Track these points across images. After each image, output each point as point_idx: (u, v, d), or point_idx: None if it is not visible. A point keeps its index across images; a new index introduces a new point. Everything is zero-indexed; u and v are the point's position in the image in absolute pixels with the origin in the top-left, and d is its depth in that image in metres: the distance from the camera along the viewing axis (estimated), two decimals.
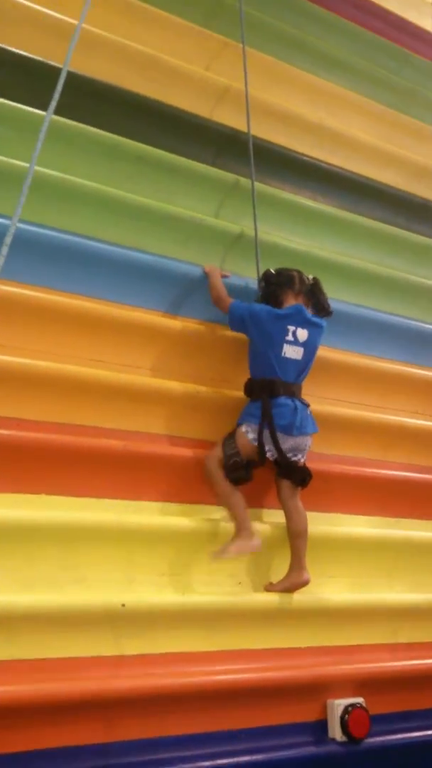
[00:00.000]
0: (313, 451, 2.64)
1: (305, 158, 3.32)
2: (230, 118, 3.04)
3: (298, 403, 2.55)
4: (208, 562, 2.39)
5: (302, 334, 2.60)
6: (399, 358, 3.27)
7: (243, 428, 2.49)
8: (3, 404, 2.24)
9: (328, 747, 2.38)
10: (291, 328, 2.58)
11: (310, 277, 2.72)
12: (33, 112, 2.48)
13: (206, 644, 2.30)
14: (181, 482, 2.48)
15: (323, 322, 2.69)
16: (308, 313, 2.65)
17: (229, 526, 2.45)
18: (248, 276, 2.83)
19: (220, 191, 2.97)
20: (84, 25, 2.37)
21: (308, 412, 2.59)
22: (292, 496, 2.55)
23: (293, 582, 2.47)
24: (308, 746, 2.36)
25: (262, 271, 2.76)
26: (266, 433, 2.47)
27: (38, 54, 2.62)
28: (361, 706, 2.43)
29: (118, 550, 2.25)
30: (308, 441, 2.57)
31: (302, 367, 2.60)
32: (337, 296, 2.91)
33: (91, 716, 2.06)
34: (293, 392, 2.55)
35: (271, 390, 2.51)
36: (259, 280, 2.75)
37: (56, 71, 2.29)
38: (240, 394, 2.63)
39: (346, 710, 2.40)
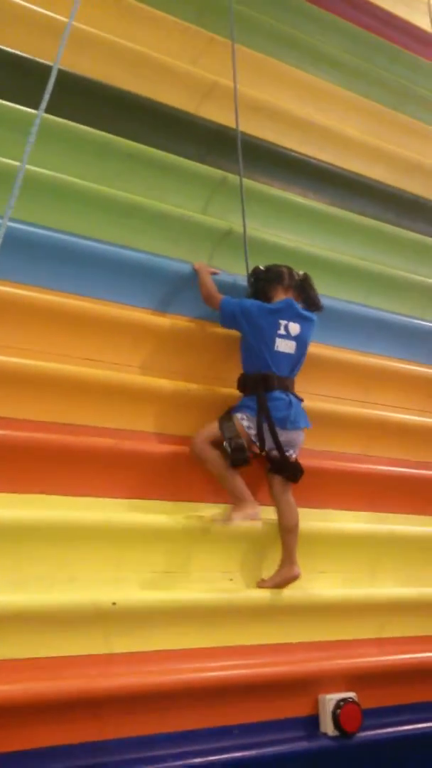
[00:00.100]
0: (305, 447, 2.65)
1: (294, 154, 3.32)
2: (218, 114, 3.03)
3: (292, 397, 2.56)
4: (199, 559, 2.39)
5: (294, 327, 2.61)
6: (389, 354, 3.28)
7: (239, 416, 2.50)
8: None
9: (319, 742, 2.39)
10: (283, 322, 2.59)
11: (301, 272, 2.73)
12: (22, 110, 2.47)
13: (198, 641, 2.30)
14: (171, 480, 2.48)
15: (314, 316, 2.70)
16: (299, 307, 2.65)
17: (220, 524, 2.45)
18: (237, 273, 2.82)
19: (208, 188, 2.96)
20: (73, 23, 2.35)
21: (301, 407, 2.60)
22: (284, 491, 2.56)
23: (284, 576, 2.48)
24: (300, 741, 2.37)
25: (251, 268, 2.76)
26: (265, 427, 2.48)
27: (26, 51, 2.60)
28: (353, 701, 2.44)
29: (109, 549, 2.25)
30: (301, 436, 2.58)
31: (295, 361, 2.61)
32: (327, 292, 2.91)
33: (83, 714, 2.06)
34: (287, 386, 2.57)
35: (266, 384, 2.51)
36: (249, 277, 2.75)
37: (45, 69, 2.27)
38: (231, 391, 2.64)
39: (338, 705, 2.42)
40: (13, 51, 2.59)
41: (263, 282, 2.69)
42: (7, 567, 2.08)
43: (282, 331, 2.58)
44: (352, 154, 3.54)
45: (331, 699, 2.43)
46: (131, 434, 2.47)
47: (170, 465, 2.48)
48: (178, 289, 2.71)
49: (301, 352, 2.64)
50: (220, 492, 2.54)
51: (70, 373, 2.37)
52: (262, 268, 2.73)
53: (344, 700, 2.43)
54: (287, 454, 2.54)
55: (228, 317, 2.63)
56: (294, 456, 2.57)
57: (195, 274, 2.74)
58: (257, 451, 2.53)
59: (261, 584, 2.49)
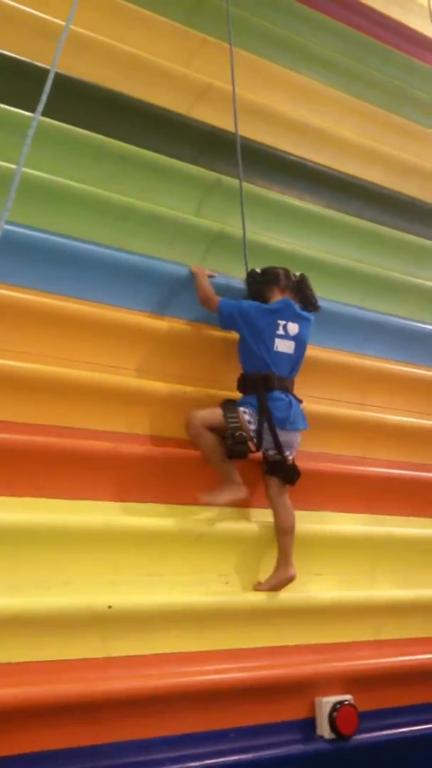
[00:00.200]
0: (302, 449, 2.65)
1: (290, 157, 3.33)
2: (212, 115, 3.03)
3: (292, 398, 2.57)
4: (195, 562, 2.39)
5: (293, 327, 2.61)
6: (386, 356, 3.29)
7: (241, 409, 2.50)
8: None
9: (316, 744, 2.38)
10: (281, 322, 2.59)
11: (297, 273, 2.73)
12: (16, 113, 2.46)
13: (194, 644, 2.30)
14: (168, 483, 2.47)
15: (311, 316, 2.70)
16: (297, 307, 2.66)
17: (217, 527, 2.45)
18: (232, 275, 2.82)
19: (202, 190, 2.96)
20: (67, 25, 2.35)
21: (300, 408, 2.60)
22: (280, 493, 2.56)
23: (280, 579, 2.48)
24: (297, 744, 2.36)
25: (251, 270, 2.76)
26: (265, 427, 2.48)
27: (19, 53, 2.60)
28: (350, 704, 2.44)
29: (105, 552, 2.25)
30: (299, 438, 2.59)
31: (295, 361, 2.62)
32: (324, 295, 2.91)
33: (80, 718, 2.05)
34: (287, 387, 2.57)
35: (266, 384, 2.52)
36: (246, 280, 2.75)
37: (38, 71, 2.28)
38: (227, 393, 2.63)
39: (335, 707, 2.41)
40: (8, 54, 2.59)
41: (260, 284, 2.69)
42: (4, 570, 2.07)
43: (281, 332, 2.59)
44: (348, 157, 3.55)
45: (327, 702, 2.42)
46: (127, 437, 2.47)
47: (166, 468, 2.48)
48: (174, 291, 2.71)
49: (300, 352, 2.64)
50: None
51: (66, 376, 2.36)
52: (258, 270, 2.73)
53: (341, 702, 2.42)
54: (285, 455, 2.53)
55: (226, 319, 2.63)
56: (291, 457, 2.57)
57: (191, 277, 2.74)
58: (253, 448, 2.53)
59: (257, 587, 2.49)
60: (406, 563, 2.88)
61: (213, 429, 2.47)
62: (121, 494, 2.39)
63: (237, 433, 2.42)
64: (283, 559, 2.50)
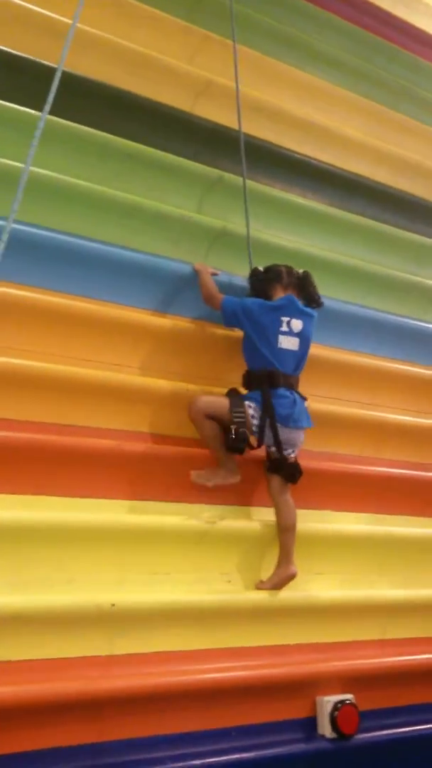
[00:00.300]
0: (304, 447, 2.64)
1: (293, 155, 3.31)
2: (215, 112, 3.02)
3: (296, 396, 2.56)
4: (197, 560, 2.39)
5: (297, 324, 2.60)
6: (389, 355, 3.28)
7: (247, 403, 2.50)
8: None
9: (317, 743, 2.39)
10: (285, 318, 2.59)
11: (300, 270, 2.73)
12: (21, 111, 2.45)
13: (197, 642, 2.30)
14: (170, 481, 2.47)
15: (314, 312, 2.70)
16: (300, 303, 2.65)
17: (219, 525, 2.46)
18: (235, 273, 2.82)
19: (205, 187, 2.95)
20: (69, 22, 2.34)
21: (305, 406, 2.60)
22: (282, 491, 2.56)
23: (281, 576, 2.48)
24: (298, 743, 2.37)
25: (251, 269, 2.75)
26: (267, 423, 2.48)
27: (24, 52, 2.58)
28: (351, 703, 2.44)
29: (109, 550, 2.24)
30: (301, 436, 2.58)
31: (299, 358, 2.61)
32: (327, 293, 2.90)
33: (82, 716, 2.05)
34: (292, 384, 2.57)
35: (271, 381, 2.51)
36: (248, 278, 2.74)
37: (42, 69, 2.26)
38: None
39: (336, 707, 2.41)
40: (12, 51, 2.57)
41: (262, 281, 2.68)
42: (6, 568, 2.07)
43: (284, 328, 2.58)
44: (352, 155, 3.54)
45: (328, 701, 2.42)
46: (130, 435, 2.46)
47: (169, 466, 2.47)
48: (177, 289, 2.71)
49: (305, 348, 2.63)
50: (218, 493, 2.53)
51: (70, 374, 2.36)
52: (260, 269, 2.73)
53: (342, 702, 2.43)
54: (286, 453, 2.54)
55: (230, 316, 2.63)
56: (294, 456, 2.57)
57: (195, 275, 2.73)
58: (254, 444, 2.53)
59: (259, 586, 2.49)
60: (409, 563, 2.89)
61: (214, 418, 2.47)
62: (124, 492, 2.39)
63: (241, 430, 2.42)
64: (285, 557, 2.50)
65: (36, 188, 2.36)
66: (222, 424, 2.47)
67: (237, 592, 2.45)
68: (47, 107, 2.12)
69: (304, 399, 2.62)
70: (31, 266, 2.37)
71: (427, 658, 2.73)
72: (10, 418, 2.24)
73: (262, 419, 2.49)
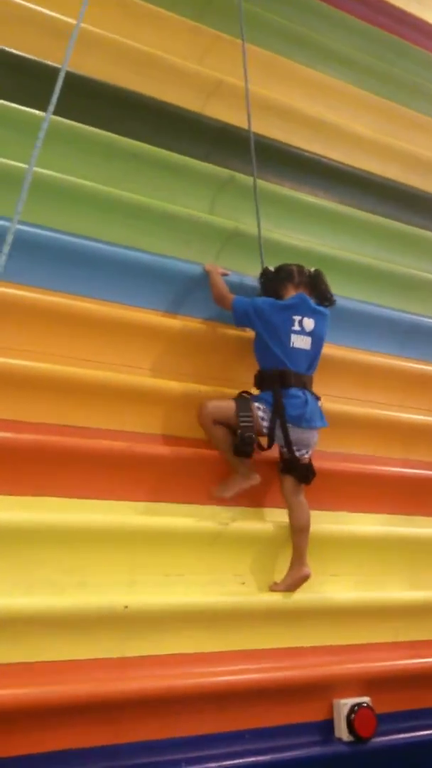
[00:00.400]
0: (317, 448, 2.62)
1: (304, 153, 3.30)
2: (225, 112, 3.01)
3: (309, 395, 2.54)
4: (210, 562, 2.38)
5: (308, 323, 2.59)
6: (404, 354, 3.25)
7: (256, 405, 2.49)
8: (2, 406, 2.23)
9: (334, 747, 2.36)
10: (297, 318, 2.57)
11: (312, 269, 2.71)
12: (27, 112, 2.46)
13: (210, 645, 2.28)
14: (182, 482, 2.46)
15: (327, 311, 2.68)
16: (312, 302, 2.63)
17: (232, 526, 2.44)
18: (246, 273, 2.80)
19: (215, 187, 2.95)
20: (75, 23, 2.35)
21: (318, 406, 2.58)
22: (296, 492, 2.54)
23: (295, 578, 2.46)
24: (314, 746, 2.35)
25: (262, 269, 2.74)
26: (278, 424, 2.47)
27: (29, 52, 2.59)
28: (368, 706, 2.41)
29: (121, 552, 2.24)
30: (315, 436, 2.56)
31: (312, 357, 2.59)
32: (339, 293, 2.88)
33: (96, 718, 2.05)
34: (304, 384, 2.55)
35: (282, 381, 2.50)
36: (259, 278, 2.73)
37: (48, 70, 2.27)
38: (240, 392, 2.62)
39: (352, 710, 2.39)
40: (16, 52, 2.58)
41: (273, 281, 2.67)
42: (18, 570, 2.08)
43: (296, 327, 2.56)
44: (363, 153, 3.51)
45: (345, 704, 2.40)
46: (142, 437, 2.46)
47: (181, 468, 2.47)
48: (187, 290, 2.70)
49: (318, 347, 2.61)
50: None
51: (80, 375, 2.36)
52: (271, 269, 2.71)
53: (358, 704, 2.40)
54: (300, 454, 2.52)
55: (241, 316, 2.62)
56: (307, 456, 2.55)
57: (205, 275, 2.72)
58: (264, 446, 2.51)
59: (273, 587, 2.47)
60: (423, 564, 2.85)
61: (223, 423, 2.46)
62: (136, 494, 2.38)
63: (246, 434, 2.41)
64: (298, 559, 2.48)
65: (43, 189, 2.37)
66: (231, 428, 2.46)
67: (251, 594, 2.43)
68: (51, 108, 2.12)
69: (318, 398, 2.60)
70: (39, 267, 2.38)
71: None
72: (20, 420, 2.25)
73: (272, 420, 2.47)
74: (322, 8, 3.64)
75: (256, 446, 2.49)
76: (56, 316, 2.39)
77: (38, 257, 2.38)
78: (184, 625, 2.25)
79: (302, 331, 2.57)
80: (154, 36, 2.96)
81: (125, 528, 2.28)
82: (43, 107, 2.22)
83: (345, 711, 2.39)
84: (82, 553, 2.18)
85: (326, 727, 2.40)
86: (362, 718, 2.38)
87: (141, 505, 2.38)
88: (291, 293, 2.64)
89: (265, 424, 2.48)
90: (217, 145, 3.01)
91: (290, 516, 2.53)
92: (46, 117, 2.12)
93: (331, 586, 2.60)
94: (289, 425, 2.48)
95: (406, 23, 4.00)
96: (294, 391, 2.51)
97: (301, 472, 2.52)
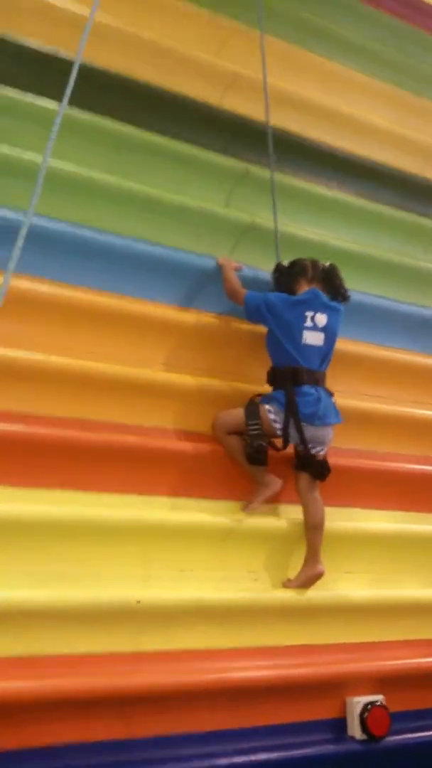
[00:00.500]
0: (332, 445, 2.59)
1: (321, 145, 3.25)
2: (241, 105, 2.97)
3: (322, 392, 2.52)
4: (224, 558, 2.37)
5: (321, 318, 2.56)
6: (421, 350, 3.21)
7: (267, 407, 2.47)
8: (17, 400, 2.24)
9: (347, 745, 2.35)
10: (309, 313, 2.54)
11: (327, 263, 2.67)
12: (42, 104, 2.45)
13: (224, 641, 2.28)
14: (195, 477, 2.45)
15: (341, 306, 2.64)
16: (325, 297, 2.60)
17: (246, 523, 2.44)
18: (260, 267, 2.77)
19: (230, 180, 2.92)
20: (90, 14, 2.32)
21: (332, 402, 2.55)
22: (311, 488, 2.52)
23: (308, 575, 2.45)
24: (327, 744, 2.34)
25: (275, 264, 2.71)
26: (291, 423, 2.45)
27: (43, 44, 2.57)
28: (381, 704, 2.39)
29: (134, 546, 2.24)
30: (330, 433, 2.54)
31: (325, 353, 2.57)
32: (355, 287, 2.85)
33: (108, 712, 2.05)
34: (317, 380, 2.52)
35: (295, 378, 2.48)
36: (273, 273, 2.70)
37: (62, 61, 2.25)
38: (255, 387, 2.60)
39: (366, 708, 2.37)
40: (30, 44, 2.56)
41: (286, 276, 2.64)
42: (32, 563, 2.08)
43: (309, 323, 2.54)
44: (382, 145, 3.45)
45: (358, 702, 2.38)
46: (155, 431, 2.45)
47: (196, 463, 2.46)
48: (201, 284, 2.68)
49: (331, 343, 2.59)
50: (243, 490, 2.51)
51: (92, 369, 2.35)
52: (285, 263, 2.68)
53: (372, 703, 2.38)
54: (315, 451, 2.50)
55: (253, 312, 2.59)
56: (323, 453, 2.53)
57: (218, 269, 2.70)
58: (280, 446, 2.49)
59: (287, 584, 2.46)
60: None
61: (235, 432, 2.46)
62: (150, 488, 2.38)
63: (255, 443, 2.39)
64: (312, 556, 2.47)
65: (57, 181, 2.35)
66: (244, 437, 2.45)
67: (264, 591, 2.42)
68: (65, 100, 2.10)
69: (331, 394, 2.57)
70: (51, 260, 2.37)
71: None
72: (33, 413, 2.25)
73: (285, 420, 2.45)
74: None
75: (271, 448, 2.47)
76: (69, 309, 2.38)
77: (51, 250, 2.37)
78: (197, 621, 2.24)
79: (315, 327, 2.55)
80: (171, 27, 2.92)
81: (139, 523, 2.28)
82: (58, 99, 2.20)
83: (358, 709, 2.37)
84: (96, 547, 2.18)
85: (339, 725, 2.39)
86: (376, 716, 2.37)
87: (154, 499, 2.37)
88: (304, 288, 2.62)
89: (278, 425, 2.46)
90: (234, 138, 2.98)
91: (305, 513, 2.51)
92: (60, 109, 2.10)
93: (345, 584, 2.59)
94: (303, 423, 2.45)
95: (426, 14, 3.93)
96: (307, 388, 2.49)
97: (316, 468, 2.50)
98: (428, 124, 3.73)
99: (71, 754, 1.99)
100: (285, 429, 2.45)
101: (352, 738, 2.36)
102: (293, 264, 2.66)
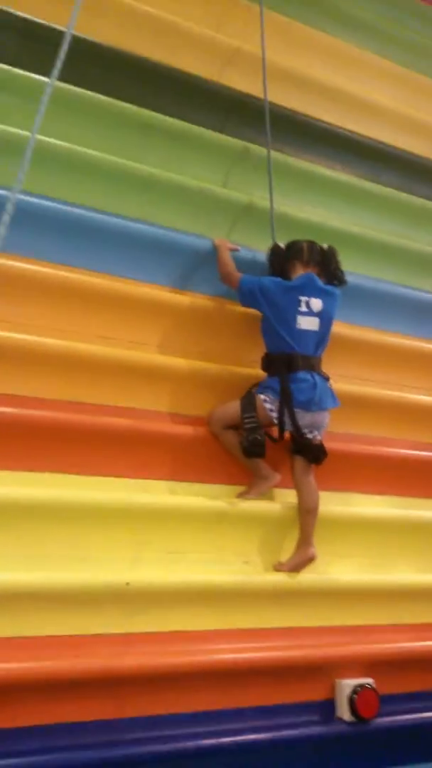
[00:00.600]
0: (328, 429, 2.58)
1: (322, 124, 3.19)
2: (240, 81, 2.91)
3: (317, 377, 2.49)
4: (215, 541, 2.37)
5: (316, 303, 2.52)
6: (419, 334, 3.17)
7: (262, 397, 2.45)
8: (8, 381, 2.22)
9: (335, 726, 2.37)
10: (303, 298, 2.51)
11: (325, 246, 2.63)
12: (37, 79, 2.40)
13: (214, 623, 2.29)
14: (188, 461, 2.45)
15: (337, 290, 2.61)
16: (321, 282, 2.56)
17: (239, 506, 2.44)
18: (257, 248, 2.74)
19: (228, 159, 2.86)
20: None
21: (328, 386, 2.53)
22: (306, 472, 2.52)
23: (301, 558, 2.45)
24: (315, 725, 2.36)
25: (272, 245, 2.67)
26: (286, 410, 2.43)
27: (40, 17, 2.51)
28: (370, 687, 2.41)
29: (125, 529, 2.24)
30: (326, 418, 2.53)
31: (320, 338, 2.54)
32: (355, 270, 2.81)
33: (99, 693, 2.07)
34: (312, 365, 2.50)
35: (289, 364, 2.46)
36: (268, 255, 2.66)
37: (58, 34, 2.20)
38: (249, 371, 2.59)
39: (355, 690, 2.38)
40: (26, 16, 2.51)
41: (282, 259, 2.60)
42: (23, 545, 2.08)
43: (303, 308, 2.50)
44: (385, 124, 3.39)
45: (347, 684, 2.40)
46: (148, 414, 2.44)
47: (187, 446, 2.45)
48: (196, 265, 2.64)
49: (326, 328, 2.55)
50: (235, 474, 2.50)
51: (86, 351, 2.34)
52: (281, 245, 2.64)
53: (361, 685, 2.39)
54: (311, 435, 2.48)
55: (247, 296, 2.56)
56: (319, 438, 2.51)
57: (215, 251, 2.66)
58: (276, 435, 2.48)
59: (278, 567, 2.46)
60: (431, 547, 2.81)
61: (233, 426, 2.45)
62: (142, 471, 2.37)
63: (251, 437, 2.38)
64: (304, 540, 2.47)
65: (49, 158, 2.33)
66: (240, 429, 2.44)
67: (255, 574, 2.43)
68: (55, 72, 2.05)
69: (327, 379, 2.55)
70: (42, 239, 2.34)
71: None
72: (24, 395, 2.24)
73: (280, 409, 2.43)
74: None
75: (268, 439, 2.45)
76: (60, 290, 2.35)
77: (43, 229, 2.34)
78: (188, 603, 2.25)
79: (309, 312, 2.51)
80: (169, 0, 2.85)
81: (131, 505, 2.28)
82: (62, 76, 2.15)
83: (347, 691, 2.39)
84: (87, 529, 2.18)
85: (328, 706, 2.41)
86: (364, 698, 2.38)
87: (146, 482, 2.37)
88: (299, 272, 2.58)
89: (274, 414, 2.45)
90: (232, 115, 2.92)
91: (299, 497, 2.51)
92: (50, 83, 2.05)
93: (337, 567, 2.59)
94: (299, 411, 2.43)
95: None
96: (302, 374, 2.46)
97: (312, 453, 2.50)
98: None
99: (63, 733, 2.01)
100: (281, 417, 2.44)
101: (341, 719, 2.38)
102: (289, 246, 2.62)
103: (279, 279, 2.55)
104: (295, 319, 2.49)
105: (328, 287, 2.59)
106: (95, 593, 2.12)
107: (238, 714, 2.25)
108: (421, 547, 2.80)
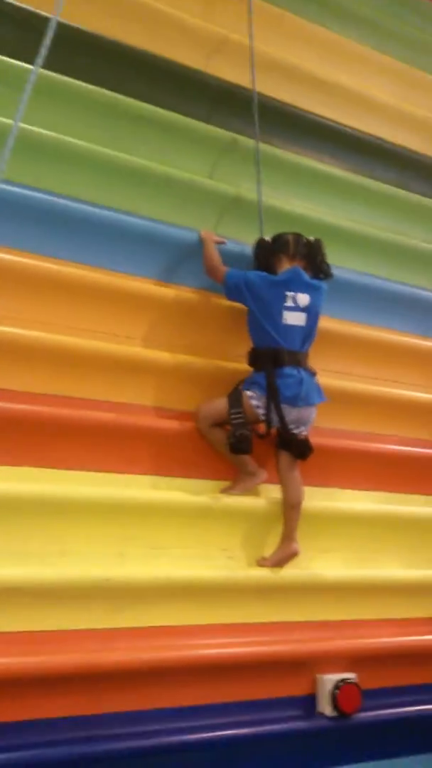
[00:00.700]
0: (314, 424, 2.57)
1: (312, 117, 3.15)
2: (228, 71, 2.87)
3: (304, 373, 2.48)
4: (198, 536, 2.36)
5: (303, 298, 2.51)
6: (407, 329, 3.16)
7: (249, 394, 2.44)
8: None
9: (316, 721, 2.37)
10: (290, 293, 2.49)
11: (311, 238, 2.61)
12: (20, 66, 2.35)
13: (197, 618, 2.28)
14: (172, 455, 2.43)
15: (323, 284, 2.59)
16: (307, 276, 2.55)
17: (222, 501, 2.43)
18: (245, 241, 2.71)
19: (215, 150, 2.82)
20: None
21: (314, 382, 2.52)
22: (291, 467, 2.51)
23: (284, 553, 2.45)
24: (297, 720, 2.36)
25: (258, 239, 2.64)
26: (272, 406, 2.42)
27: (27, 3, 2.46)
28: (352, 682, 2.41)
29: (108, 524, 2.22)
30: (312, 413, 2.52)
31: (307, 333, 2.52)
32: (345, 264, 2.79)
33: (81, 688, 2.06)
34: (299, 361, 2.48)
35: (275, 360, 2.44)
36: (253, 249, 2.64)
37: (42, 20, 2.15)
38: (235, 365, 2.57)
39: (337, 685, 2.39)
40: (13, 2, 2.45)
41: (267, 252, 2.57)
42: (4, 540, 2.06)
43: (289, 303, 2.49)
44: (377, 118, 3.36)
45: (329, 679, 2.40)
46: (131, 408, 2.42)
47: (170, 440, 2.43)
48: (182, 258, 2.61)
49: (313, 323, 2.54)
50: (220, 469, 2.49)
51: (69, 344, 2.30)
52: (267, 238, 2.61)
53: (343, 680, 2.40)
54: (297, 431, 2.48)
55: (232, 290, 2.54)
56: (305, 433, 2.51)
57: (201, 243, 2.63)
58: (263, 431, 2.47)
59: (261, 563, 2.46)
60: (416, 542, 2.82)
61: (220, 423, 2.44)
62: (127, 466, 2.36)
63: (238, 432, 2.36)
64: (288, 535, 2.47)
65: (34, 148, 2.29)
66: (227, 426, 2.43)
67: (239, 569, 2.42)
68: (39, 60, 2.02)
69: (314, 374, 2.54)
70: (27, 231, 2.30)
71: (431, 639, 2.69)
72: (6, 388, 2.21)
73: (267, 405, 2.42)
74: None
75: (255, 436, 2.44)
76: (43, 282, 2.32)
77: (26, 219, 2.30)
78: (171, 598, 2.24)
79: (296, 308, 2.50)
80: None
81: (113, 500, 2.26)
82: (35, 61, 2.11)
83: (329, 686, 2.39)
84: (69, 524, 2.16)
85: (310, 702, 2.41)
86: (346, 693, 2.39)
87: (129, 477, 2.35)
88: (285, 266, 2.56)
89: (261, 411, 2.43)
90: (219, 106, 2.88)
91: (283, 492, 2.50)
92: (34, 70, 2.01)
93: (321, 563, 2.59)
94: (285, 406, 2.42)
95: None
96: (288, 370, 2.45)
97: (298, 448, 2.49)
98: (428, 98, 3.62)
99: (44, 729, 2.00)
100: (267, 414, 2.42)
101: (322, 714, 2.39)
102: (275, 239, 2.60)
103: (265, 273, 2.53)
104: (281, 314, 2.47)
105: (315, 281, 2.57)
106: (78, 589, 2.10)
107: (222, 709, 2.26)
108: (405, 542, 2.80)
